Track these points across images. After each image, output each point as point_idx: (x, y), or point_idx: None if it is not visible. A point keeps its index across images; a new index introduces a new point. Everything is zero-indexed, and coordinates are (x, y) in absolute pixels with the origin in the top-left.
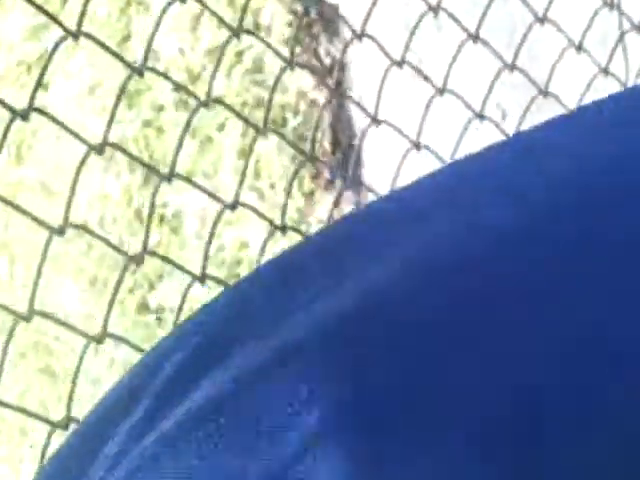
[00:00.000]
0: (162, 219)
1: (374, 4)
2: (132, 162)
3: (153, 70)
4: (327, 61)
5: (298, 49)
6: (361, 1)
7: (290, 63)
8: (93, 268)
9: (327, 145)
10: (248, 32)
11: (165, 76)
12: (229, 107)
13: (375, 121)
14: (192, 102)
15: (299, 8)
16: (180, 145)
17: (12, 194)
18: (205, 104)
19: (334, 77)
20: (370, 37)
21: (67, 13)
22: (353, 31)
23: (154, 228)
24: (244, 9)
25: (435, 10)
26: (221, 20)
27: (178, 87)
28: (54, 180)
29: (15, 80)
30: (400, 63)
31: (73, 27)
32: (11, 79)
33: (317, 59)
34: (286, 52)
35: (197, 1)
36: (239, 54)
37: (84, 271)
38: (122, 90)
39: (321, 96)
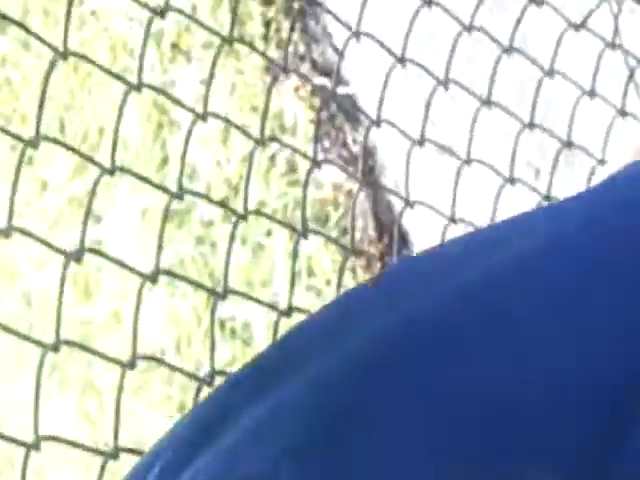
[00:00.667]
0: (233, 332)
1: (385, 87)
2: (195, 279)
3: (194, 193)
4: (355, 149)
5: (326, 142)
6: (376, 84)
7: (315, 161)
8: (178, 394)
9: (372, 232)
10: (273, 139)
11: (203, 196)
12: (271, 217)
13: (409, 204)
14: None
15: (319, 103)
16: (228, 259)
17: (85, 331)
18: (243, 217)
19: (365, 164)
20: (389, 122)
21: (106, 144)
22: (370, 119)
23: (227, 343)
24: (264, 116)
25: (445, 83)
26: (245, 132)
27: (220, 204)
28: (124, 311)
29: (69, 219)
30: (421, 142)
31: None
32: (65, 218)
33: (346, 149)
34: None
35: (221, 118)
36: (272, 158)
37: (171, 399)
38: (165, 216)
39: (356, 185)
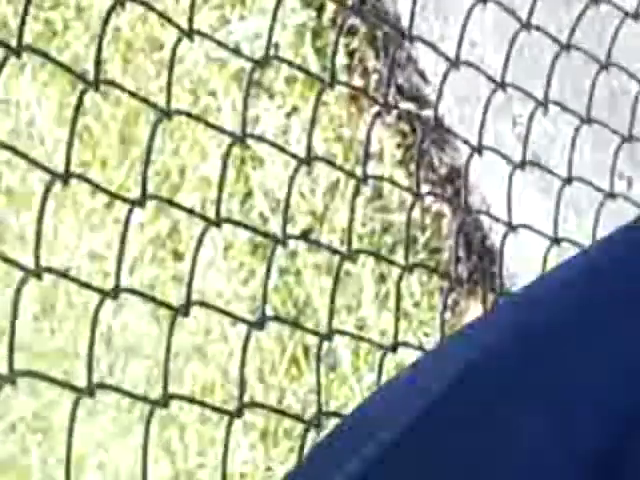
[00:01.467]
0: (318, 358)
1: (486, 112)
2: (278, 310)
3: (288, 240)
4: (442, 171)
5: (412, 166)
6: (461, 106)
7: (417, 195)
8: (262, 421)
9: (461, 253)
10: (365, 179)
11: (278, 241)
12: (363, 251)
13: (511, 227)
14: (323, 240)
15: (405, 127)
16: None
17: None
18: (347, 257)
19: (453, 186)
20: (489, 148)
21: (187, 183)
22: (472, 146)
23: (312, 369)
24: (350, 144)
25: (545, 104)
26: (330, 163)
27: (303, 236)
28: (210, 346)
29: (152, 258)
30: (522, 164)
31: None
32: (147, 257)
33: (433, 171)
34: (400, 175)
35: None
36: (357, 185)
37: (255, 426)
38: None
39: (444, 207)
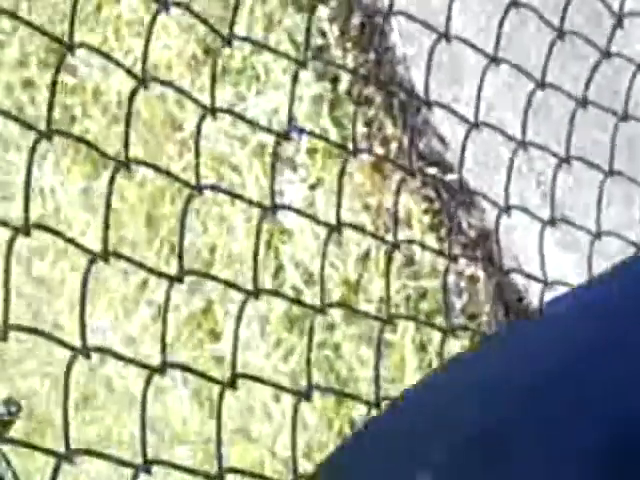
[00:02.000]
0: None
1: (510, 172)
2: (320, 385)
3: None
4: (472, 234)
5: (442, 230)
6: (484, 167)
7: (451, 257)
8: None
9: (500, 315)
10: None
11: (316, 309)
12: (402, 316)
13: (546, 285)
14: (361, 310)
15: (430, 192)
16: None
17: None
18: (387, 322)
19: (484, 248)
20: (516, 207)
21: (218, 261)
22: (500, 207)
23: None
24: (377, 213)
25: (567, 160)
26: (361, 229)
27: (340, 305)
28: (253, 427)
29: (188, 339)
30: (552, 222)
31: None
32: (184, 338)
33: (462, 235)
34: (431, 240)
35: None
36: (388, 252)
37: None
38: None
39: (477, 270)
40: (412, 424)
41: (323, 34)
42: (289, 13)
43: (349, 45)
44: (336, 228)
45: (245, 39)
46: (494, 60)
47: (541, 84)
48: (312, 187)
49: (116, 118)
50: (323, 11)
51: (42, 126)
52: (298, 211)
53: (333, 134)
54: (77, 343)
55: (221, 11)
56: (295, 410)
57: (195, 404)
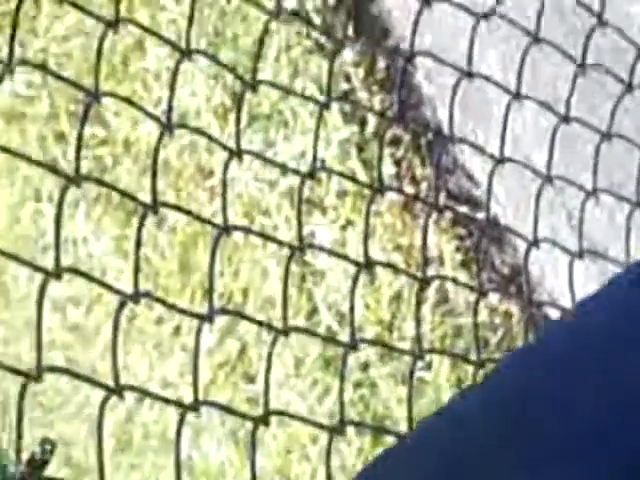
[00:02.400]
0: None
1: (537, 206)
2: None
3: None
4: (505, 271)
5: (474, 268)
6: (514, 203)
7: (481, 292)
8: None
9: None
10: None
11: (349, 346)
12: (436, 351)
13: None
14: (397, 346)
15: (461, 230)
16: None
17: None
18: (419, 356)
19: (517, 284)
20: (545, 240)
21: (251, 304)
22: (529, 241)
23: None
24: (409, 252)
25: (594, 193)
26: (393, 267)
27: (375, 342)
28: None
29: (224, 382)
30: (580, 254)
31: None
32: (219, 382)
33: (495, 272)
34: (463, 278)
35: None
36: (422, 290)
37: None
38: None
39: (511, 306)
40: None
41: (348, 78)
42: (314, 59)
43: (375, 88)
44: (365, 265)
45: (271, 84)
46: (517, 96)
47: (565, 118)
48: (343, 228)
49: (147, 168)
50: (347, 55)
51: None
52: (330, 251)
53: (362, 175)
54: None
55: (247, 60)
56: (329, 444)
57: (232, 445)
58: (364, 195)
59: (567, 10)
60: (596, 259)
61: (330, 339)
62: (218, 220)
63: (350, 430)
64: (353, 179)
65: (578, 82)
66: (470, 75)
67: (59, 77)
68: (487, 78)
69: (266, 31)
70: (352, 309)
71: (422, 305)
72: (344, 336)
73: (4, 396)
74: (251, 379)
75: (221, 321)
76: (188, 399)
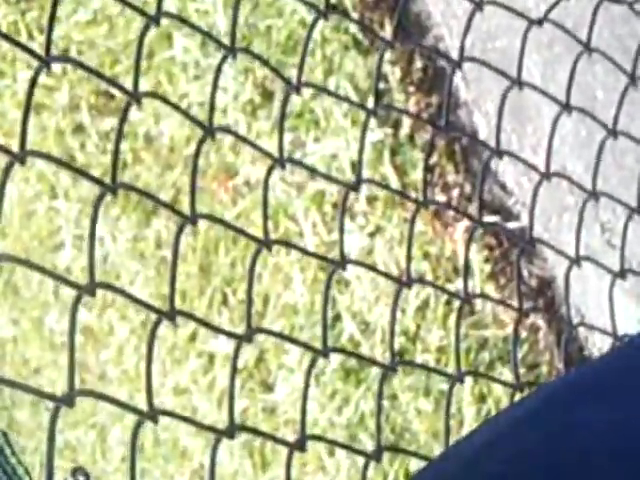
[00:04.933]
0: None
1: (580, 224)
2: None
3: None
4: (532, 283)
5: (502, 279)
6: (545, 213)
7: (521, 311)
8: None
9: (560, 365)
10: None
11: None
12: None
13: (616, 338)
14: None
15: (491, 240)
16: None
17: None
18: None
19: (545, 297)
20: (583, 258)
21: (271, 312)
22: (571, 259)
23: None
24: (438, 261)
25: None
26: (422, 281)
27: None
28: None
29: (240, 389)
30: (622, 274)
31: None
32: (236, 389)
33: (523, 283)
34: (491, 289)
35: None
36: (448, 302)
37: None
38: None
39: (538, 319)
40: None
41: (384, 78)
42: (350, 56)
43: (411, 89)
44: (404, 282)
45: (306, 84)
46: (567, 107)
47: (613, 132)
48: (371, 235)
49: (168, 164)
50: (385, 54)
51: (94, 173)
52: (358, 262)
53: (394, 181)
54: (124, 394)
55: (280, 55)
56: (365, 469)
57: (246, 455)
58: (395, 202)
59: (616, 19)
60: (631, 276)
61: (355, 355)
62: (241, 223)
63: (369, 445)
64: (385, 186)
65: (617, 91)
66: (519, 83)
67: (82, 65)
68: (535, 87)
69: (311, 28)
70: (392, 333)
71: (448, 317)
72: (367, 346)
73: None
74: (269, 387)
75: (241, 327)
76: (202, 407)
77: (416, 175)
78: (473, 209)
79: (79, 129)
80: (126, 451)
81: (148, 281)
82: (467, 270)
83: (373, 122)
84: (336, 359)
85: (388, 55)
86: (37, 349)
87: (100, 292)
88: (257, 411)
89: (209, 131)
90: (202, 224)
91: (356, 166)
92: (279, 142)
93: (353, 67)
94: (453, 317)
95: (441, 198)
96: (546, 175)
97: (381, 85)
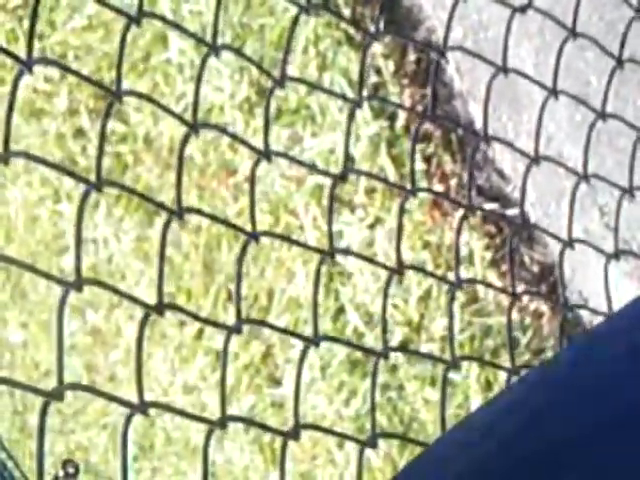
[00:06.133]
0: None
1: (572, 206)
2: (384, 428)
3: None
4: (534, 269)
5: (504, 266)
6: (546, 200)
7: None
8: None
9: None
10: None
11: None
12: (467, 358)
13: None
14: (422, 350)
15: (491, 228)
16: None
17: None
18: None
19: (548, 283)
20: (580, 241)
21: (276, 306)
22: (563, 241)
23: None
24: (438, 251)
25: (631, 191)
26: (423, 270)
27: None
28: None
29: (248, 385)
30: (616, 256)
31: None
32: (244, 385)
33: (525, 270)
34: (493, 276)
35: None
36: (450, 290)
37: None
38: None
39: (541, 305)
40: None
41: (378, 71)
42: (343, 51)
43: (405, 81)
44: (397, 270)
45: (298, 80)
46: (554, 93)
47: (602, 115)
48: (371, 227)
49: (168, 164)
50: (377, 48)
51: (94, 176)
52: (358, 255)
53: (391, 173)
54: (134, 395)
55: (274, 53)
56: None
57: (256, 450)
58: (394, 193)
59: (607, 5)
60: (628, 257)
61: (360, 347)
62: (242, 220)
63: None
64: (384, 181)
65: (615, 77)
66: (505, 71)
67: (78, 74)
68: (522, 74)
69: (294, 22)
70: (384, 314)
71: (451, 305)
72: (372, 337)
73: (23, 408)
74: (276, 382)
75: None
76: (211, 404)
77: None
78: (472, 197)
79: (79, 133)
80: (137, 450)
81: (153, 281)
82: (458, 256)
83: (369, 115)
84: (342, 351)
85: (381, 49)
86: (46, 352)
87: (107, 294)
88: (266, 406)
89: (194, 128)
90: (205, 222)
91: (354, 159)
92: (264, 135)
93: (347, 62)
94: (456, 306)
95: (439, 188)
96: (535, 159)
97: (375, 79)
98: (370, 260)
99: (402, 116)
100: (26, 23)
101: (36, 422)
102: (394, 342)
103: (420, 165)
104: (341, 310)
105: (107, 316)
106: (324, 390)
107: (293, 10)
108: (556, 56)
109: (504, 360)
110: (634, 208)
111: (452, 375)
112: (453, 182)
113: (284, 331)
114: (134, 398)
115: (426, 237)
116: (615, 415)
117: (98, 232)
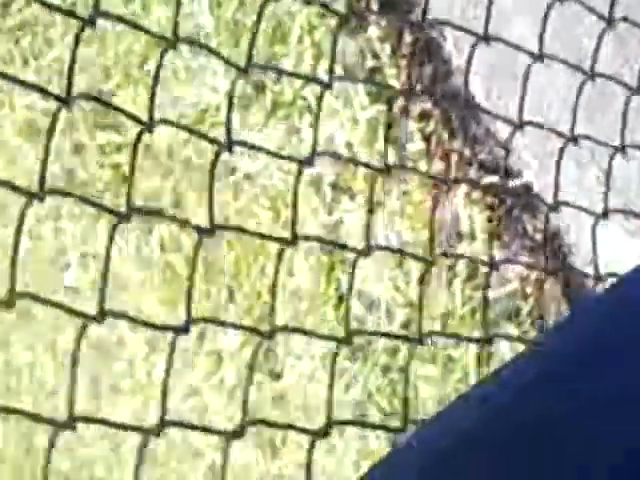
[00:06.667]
0: None
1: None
2: (385, 410)
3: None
4: (537, 237)
5: (506, 237)
6: (546, 168)
7: (492, 265)
8: None
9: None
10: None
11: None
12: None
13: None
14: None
15: (492, 200)
16: None
17: None
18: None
19: (548, 249)
20: (567, 204)
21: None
22: (548, 205)
23: None
24: (440, 228)
25: (623, 149)
26: (417, 257)
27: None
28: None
29: (250, 376)
30: (605, 214)
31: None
32: (244, 379)
33: (527, 238)
34: (496, 247)
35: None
36: (450, 268)
37: None
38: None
39: (543, 273)
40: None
41: (375, 55)
42: (339, 38)
43: (403, 63)
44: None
45: (292, 74)
46: (540, 58)
47: (591, 75)
48: (371, 211)
49: (167, 170)
50: (373, 31)
51: (93, 190)
52: (318, 239)
53: (391, 155)
54: (138, 403)
55: (268, 46)
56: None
57: (258, 449)
58: (393, 175)
59: None
60: (629, 217)
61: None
62: (242, 218)
63: (375, 417)
64: (383, 169)
65: (609, 37)
66: (486, 39)
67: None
68: (506, 42)
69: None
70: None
71: (453, 281)
72: (373, 321)
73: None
74: (277, 376)
75: (249, 321)
76: (213, 406)
77: (414, 146)
78: (472, 172)
79: (78, 148)
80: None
81: (155, 287)
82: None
83: (366, 99)
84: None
85: (377, 32)
86: (52, 371)
87: (109, 304)
88: (266, 401)
89: (148, 126)
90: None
91: (352, 146)
92: (226, 122)
93: (343, 48)
94: (457, 282)
95: (440, 166)
96: (519, 126)
97: (372, 63)
98: (369, 247)
99: (400, 98)
100: (23, 42)
101: (42, 443)
102: (396, 324)
103: (420, 144)
104: (342, 298)
105: (111, 328)
106: (325, 379)
107: (286, 3)
108: (542, 18)
109: (504, 330)
110: (632, 166)
111: (451, 351)
112: (453, 159)
113: (284, 328)
114: (138, 407)
115: (426, 217)
116: (614, 389)
117: (98, 246)
